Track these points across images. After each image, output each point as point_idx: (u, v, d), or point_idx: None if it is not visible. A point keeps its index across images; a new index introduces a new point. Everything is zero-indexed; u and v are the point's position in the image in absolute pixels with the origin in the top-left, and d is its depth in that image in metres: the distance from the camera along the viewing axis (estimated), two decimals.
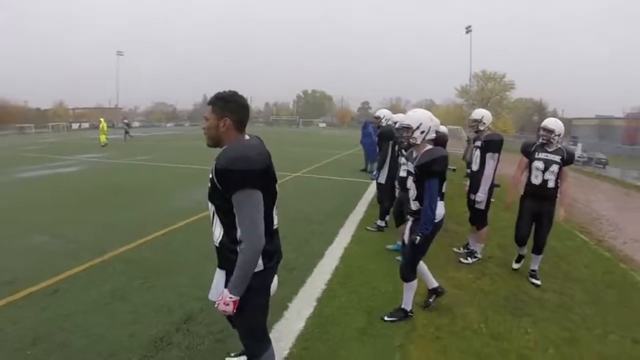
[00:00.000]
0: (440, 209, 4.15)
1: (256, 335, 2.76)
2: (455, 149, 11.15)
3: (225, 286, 2.48)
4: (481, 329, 4.34)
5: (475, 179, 6.23)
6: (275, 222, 2.66)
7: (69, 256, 6.02)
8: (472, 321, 4.49)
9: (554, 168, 5.51)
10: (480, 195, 6.09)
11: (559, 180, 5.57)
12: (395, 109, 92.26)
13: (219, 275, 2.64)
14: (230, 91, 2.58)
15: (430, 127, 4.06)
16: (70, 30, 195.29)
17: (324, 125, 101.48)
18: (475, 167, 6.25)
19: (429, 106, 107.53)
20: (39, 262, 5.88)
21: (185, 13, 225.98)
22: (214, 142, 2.57)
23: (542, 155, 5.58)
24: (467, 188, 6.47)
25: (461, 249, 6.72)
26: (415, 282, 4.38)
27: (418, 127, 4.03)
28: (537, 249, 5.75)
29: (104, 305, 4.52)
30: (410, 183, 4.24)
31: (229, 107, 2.51)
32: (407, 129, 4.07)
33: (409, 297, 4.41)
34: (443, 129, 10.97)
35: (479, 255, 6.38)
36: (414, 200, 4.22)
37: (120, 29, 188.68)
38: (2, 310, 4.49)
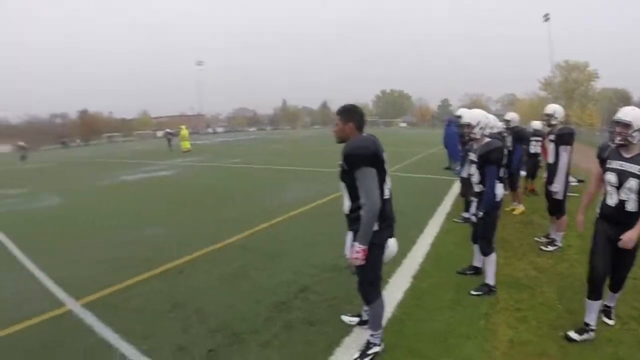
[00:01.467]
0: (500, 190, 4.87)
1: (372, 284, 3.63)
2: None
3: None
4: (557, 305, 4.80)
5: (551, 171, 6.56)
6: (386, 194, 3.57)
7: (183, 244, 7.19)
8: (549, 298, 4.96)
9: (632, 183, 3.76)
10: (556, 186, 6.43)
11: None
12: (475, 105, 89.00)
13: (349, 236, 3.62)
14: (350, 104, 3.66)
15: (486, 123, 4.94)
16: (151, 40, 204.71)
17: (405, 124, 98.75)
18: (551, 159, 6.58)
19: (512, 101, 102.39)
20: (161, 248, 7.11)
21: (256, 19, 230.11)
22: (342, 139, 3.58)
23: (615, 164, 3.91)
24: (545, 180, 6.88)
25: (542, 238, 7.14)
26: (493, 256, 5.01)
27: (477, 124, 4.88)
28: (614, 286, 4.27)
29: (228, 281, 5.49)
30: (473, 170, 4.99)
31: (352, 115, 3.56)
32: (468, 126, 4.91)
33: (491, 271, 5.03)
34: (537, 125, 11.11)
35: (559, 244, 6.73)
36: (477, 184, 4.97)
37: (197, 38, 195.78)
38: (146, 280, 5.70)
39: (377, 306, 3.66)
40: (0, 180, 20.05)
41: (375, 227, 3.41)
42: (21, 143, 34.67)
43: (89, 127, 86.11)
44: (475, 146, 5.00)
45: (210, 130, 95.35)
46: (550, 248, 6.69)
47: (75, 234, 8.74)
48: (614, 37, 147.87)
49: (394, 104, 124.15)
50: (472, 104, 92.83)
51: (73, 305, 5.13)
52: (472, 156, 5.01)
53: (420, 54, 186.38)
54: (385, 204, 3.53)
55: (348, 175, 3.42)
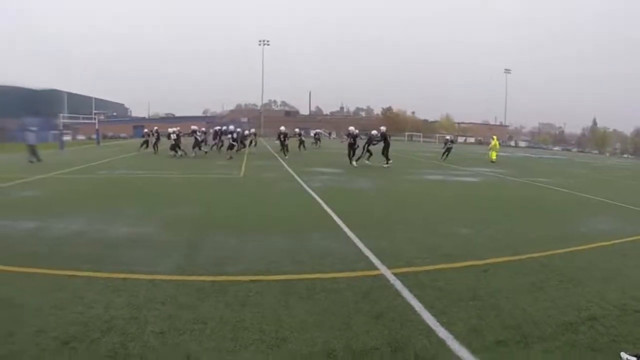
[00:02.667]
0: None
1: None
2: None
3: None
4: None
5: None
6: None
7: (488, 247, 7.99)
8: None
9: None
10: None
11: None
12: None
13: None
14: None
15: None
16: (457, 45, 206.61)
17: None
18: None
19: None
20: (464, 246, 8.00)
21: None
22: None
23: None
24: None
25: None
26: None
27: None
28: None
29: (526, 290, 5.97)
30: None
31: None
32: None
33: None
34: None
35: None
36: None
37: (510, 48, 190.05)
38: (452, 270, 6.65)
39: None
40: (313, 159, 23.61)
41: None
42: (321, 131, 39.70)
43: (392, 123, 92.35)
44: None
45: (512, 143, 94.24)
46: None
47: (384, 216, 10.59)
48: None
49: None
50: None
51: (385, 271, 6.38)
52: None
53: None
54: None
55: None
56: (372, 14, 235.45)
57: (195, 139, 28.82)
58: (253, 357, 3.94)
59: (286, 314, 4.85)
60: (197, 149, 28.85)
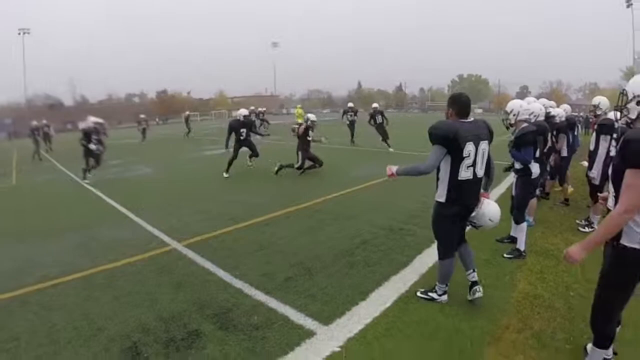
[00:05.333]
0: (535, 168, 5.66)
1: (441, 244, 4.42)
2: None
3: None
4: (577, 273, 5.22)
5: (591, 158, 7.00)
6: (462, 175, 4.02)
7: (267, 206, 8.61)
8: (572, 267, 5.24)
9: None
10: (594, 172, 6.90)
11: None
12: (555, 94, 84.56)
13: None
14: (457, 93, 4.23)
15: (519, 112, 5.64)
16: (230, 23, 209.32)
17: (481, 111, 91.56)
18: (591, 147, 7.02)
19: (593, 90, 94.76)
20: (247, 209, 8.50)
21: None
22: None
23: None
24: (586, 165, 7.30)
25: (583, 220, 7.47)
26: (524, 225, 5.71)
27: (511, 112, 5.69)
28: None
29: (306, 232, 6.77)
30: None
31: (453, 103, 4.11)
32: (506, 112, 5.76)
33: (521, 237, 5.73)
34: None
35: (595, 226, 7.10)
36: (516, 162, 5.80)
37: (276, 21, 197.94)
38: (236, 230, 7.14)
39: (443, 264, 4.43)
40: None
41: (442, 199, 4.11)
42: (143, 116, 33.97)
43: (168, 106, 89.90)
44: (515, 130, 5.78)
45: (284, 111, 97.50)
46: (587, 229, 7.10)
47: (169, 196, 10.61)
48: None
49: (471, 89, 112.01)
50: (552, 92, 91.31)
51: (176, 245, 6.57)
52: (511, 137, 5.84)
53: (502, 37, 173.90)
54: (460, 185, 4.06)
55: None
56: None
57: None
58: (75, 354, 3.87)
59: (94, 305, 4.75)
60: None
